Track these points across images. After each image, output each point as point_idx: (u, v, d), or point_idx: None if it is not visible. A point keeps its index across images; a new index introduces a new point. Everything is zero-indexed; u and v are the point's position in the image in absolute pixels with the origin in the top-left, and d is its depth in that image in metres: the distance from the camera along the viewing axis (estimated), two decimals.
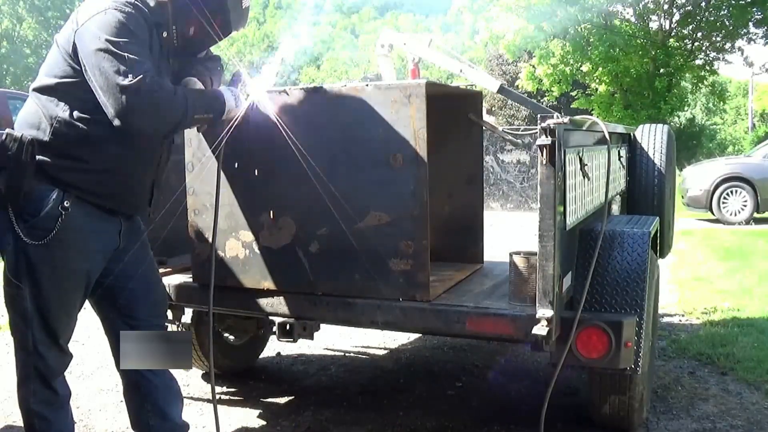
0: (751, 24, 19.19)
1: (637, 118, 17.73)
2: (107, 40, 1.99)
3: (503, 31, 19.11)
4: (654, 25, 20.13)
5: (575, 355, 2.30)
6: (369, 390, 3.62)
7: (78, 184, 2.14)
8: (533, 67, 19.98)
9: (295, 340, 2.65)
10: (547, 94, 20.86)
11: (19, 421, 2.61)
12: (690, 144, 24.32)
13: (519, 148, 4.87)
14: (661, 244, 3.64)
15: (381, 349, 4.36)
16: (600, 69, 19.11)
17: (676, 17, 19.80)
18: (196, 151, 2.63)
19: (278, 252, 2.55)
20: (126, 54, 1.98)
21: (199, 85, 2.31)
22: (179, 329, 3.12)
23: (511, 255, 2.39)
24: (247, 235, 2.59)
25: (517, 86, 20.17)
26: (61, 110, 2.11)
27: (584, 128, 2.69)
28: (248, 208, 2.59)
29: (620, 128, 3.89)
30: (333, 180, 2.42)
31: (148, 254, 2.46)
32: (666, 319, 4.93)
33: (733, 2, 18.46)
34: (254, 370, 3.94)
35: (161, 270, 2.71)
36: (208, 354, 2.77)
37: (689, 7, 19.44)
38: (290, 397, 3.52)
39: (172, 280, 2.81)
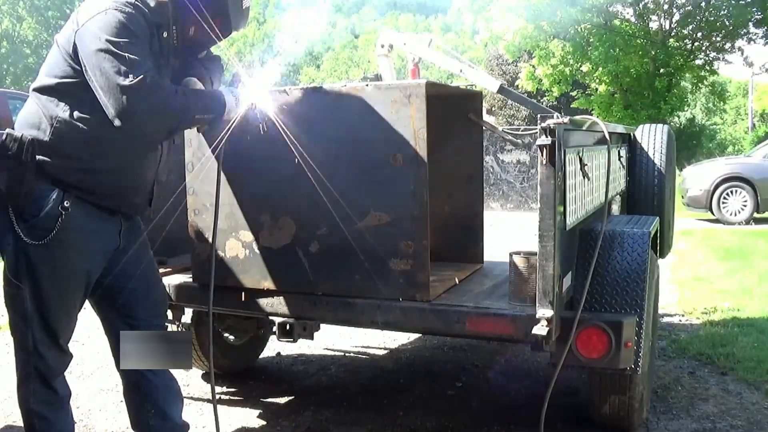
0: (751, 24, 19.19)
1: (637, 118, 17.73)
2: (108, 41, 1.99)
3: (503, 31, 19.11)
4: (654, 25, 20.13)
5: (575, 355, 2.30)
6: (369, 390, 3.62)
7: (78, 184, 2.14)
8: (533, 67, 19.98)
9: (295, 340, 2.65)
10: (547, 94, 20.87)
11: (19, 421, 2.61)
12: (690, 144, 24.32)
13: (519, 148, 4.87)
14: (661, 244, 3.64)
15: (381, 349, 4.36)
16: (600, 69, 19.11)
17: (676, 17, 19.81)
18: (196, 151, 2.63)
19: (278, 252, 2.55)
20: (126, 54, 1.98)
21: (200, 86, 2.31)
22: (179, 329, 3.12)
23: (511, 255, 2.39)
24: (247, 235, 2.59)
25: (517, 86, 20.17)
26: (62, 110, 2.11)
27: (584, 128, 2.69)
28: (248, 208, 2.59)
29: (620, 128, 3.89)
30: (333, 180, 2.42)
31: (148, 254, 2.46)
32: (666, 319, 4.93)
33: (733, 2, 18.46)
34: (254, 370, 3.94)
35: (161, 270, 2.71)
36: (208, 354, 2.77)
37: (689, 7, 19.44)
38: (290, 397, 3.52)
39: (172, 280, 2.81)
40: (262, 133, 2.38)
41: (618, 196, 3.71)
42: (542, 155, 2.15)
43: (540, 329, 2.14)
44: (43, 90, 2.15)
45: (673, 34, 19.82)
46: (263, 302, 2.60)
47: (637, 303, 2.48)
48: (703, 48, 20.27)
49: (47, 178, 2.10)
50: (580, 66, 19.38)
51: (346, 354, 4.25)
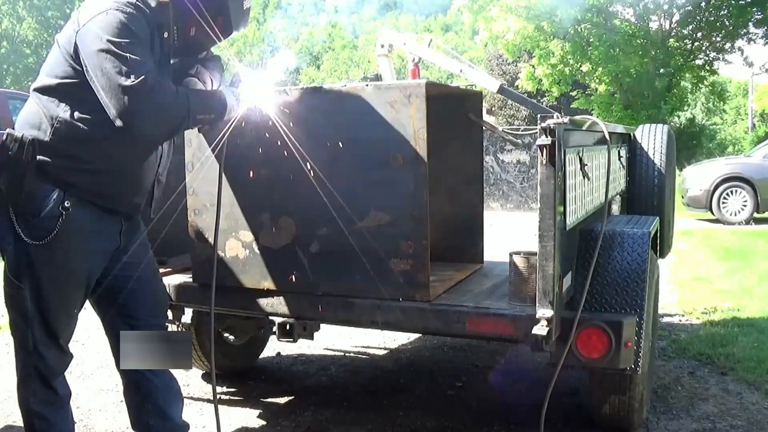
0: (751, 24, 19.18)
1: (637, 118, 17.72)
2: (109, 41, 1.99)
3: (503, 31, 19.11)
4: (654, 25, 20.11)
5: (575, 355, 2.30)
6: (369, 390, 3.62)
7: (79, 185, 2.14)
8: (533, 67, 19.98)
9: (295, 340, 2.65)
10: (547, 95, 20.86)
11: (19, 421, 2.61)
12: (690, 144, 24.30)
13: (519, 148, 4.87)
14: (661, 244, 3.64)
15: (381, 349, 4.36)
16: (600, 69, 19.10)
17: (676, 17, 19.79)
18: (196, 151, 2.63)
19: (278, 252, 2.55)
20: (128, 54, 1.98)
21: (200, 86, 2.31)
22: (179, 329, 3.12)
23: (511, 255, 2.39)
24: (247, 235, 2.59)
25: (517, 86, 20.16)
26: (62, 110, 2.11)
27: (584, 128, 2.69)
28: (248, 208, 2.59)
29: (620, 128, 3.89)
30: (333, 180, 2.42)
31: (148, 254, 2.46)
32: (666, 319, 4.93)
33: (733, 2, 18.45)
34: (254, 370, 3.94)
35: (161, 270, 2.71)
36: (209, 354, 2.77)
37: (689, 7, 19.42)
38: (290, 397, 3.53)
39: (172, 280, 2.81)
40: (262, 131, 2.38)
41: (618, 196, 3.71)
42: (542, 155, 2.15)
43: (540, 329, 2.14)
44: (43, 90, 2.15)
45: (673, 34, 19.81)
46: (263, 302, 2.60)
47: (637, 303, 2.48)
48: (703, 48, 20.26)
49: (48, 179, 2.10)
50: (580, 66, 19.36)
51: (346, 354, 4.25)
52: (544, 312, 2.16)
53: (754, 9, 18.39)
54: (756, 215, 10.95)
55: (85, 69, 2.04)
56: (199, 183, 2.64)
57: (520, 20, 18.64)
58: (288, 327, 2.63)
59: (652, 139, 3.91)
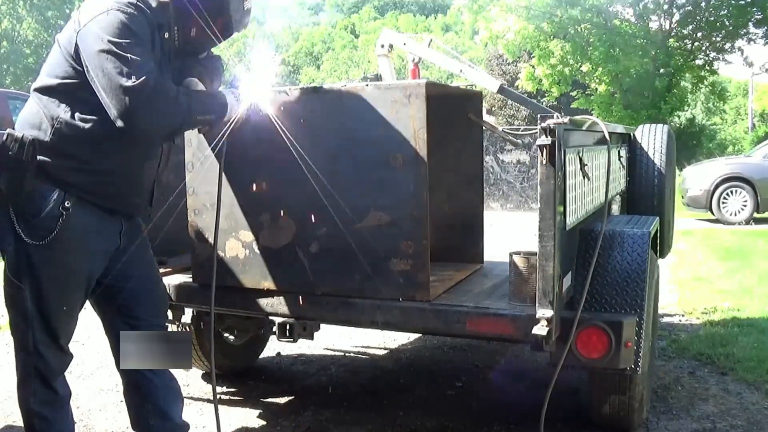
0: (751, 24, 19.18)
1: (637, 118, 17.71)
2: (110, 41, 1.99)
3: (503, 31, 19.11)
4: (654, 25, 20.12)
5: (575, 355, 2.30)
6: (369, 390, 3.62)
7: (79, 185, 2.14)
8: (533, 67, 19.98)
9: (295, 340, 2.66)
10: (547, 95, 20.87)
11: (19, 421, 2.61)
12: (690, 144, 24.29)
13: (519, 148, 4.87)
14: (661, 244, 3.64)
15: (381, 349, 4.36)
16: (600, 69, 19.10)
17: (676, 17, 19.79)
18: (196, 151, 2.63)
19: (278, 252, 2.55)
20: (129, 55, 1.98)
21: (201, 86, 2.31)
22: (179, 329, 3.12)
23: (511, 255, 2.39)
24: (247, 235, 2.59)
25: (517, 86, 20.17)
26: (63, 111, 2.11)
27: (584, 128, 2.69)
28: (248, 208, 2.59)
29: (620, 128, 3.89)
30: (333, 180, 2.42)
31: (148, 254, 2.46)
32: (666, 319, 4.93)
33: (733, 2, 18.46)
34: (254, 370, 3.94)
35: (161, 270, 2.71)
36: (209, 354, 2.77)
37: (689, 7, 19.43)
38: (290, 397, 3.53)
39: (172, 280, 2.81)
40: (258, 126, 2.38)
41: (618, 196, 3.71)
42: (542, 155, 2.15)
43: (540, 329, 2.14)
44: (44, 90, 2.15)
45: (673, 34, 19.81)
46: (263, 302, 2.60)
47: (637, 303, 2.48)
48: (703, 48, 20.26)
49: (48, 179, 2.10)
50: (580, 66, 19.37)
51: (346, 354, 4.25)
52: (544, 312, 2.16)
53: (754, 9, 18.40)
54: (756, 215, 10.95)
55: (85, 69, 2.04)
56: (199, 183, 2.64)
57: (520, 20, 18.64)
58: (288, 327, 2.63)
59: (652, 139, 3.91)
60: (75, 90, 2.10)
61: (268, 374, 3.92)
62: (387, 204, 2.38)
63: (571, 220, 2.42)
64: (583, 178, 2.58)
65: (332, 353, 4.26)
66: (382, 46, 6.30)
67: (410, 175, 2.34)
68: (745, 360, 3.89)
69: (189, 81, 2.30)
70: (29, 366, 2.23)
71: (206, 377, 3.72)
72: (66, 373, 2.34)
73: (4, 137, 2.09)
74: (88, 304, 2.37)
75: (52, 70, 2.15)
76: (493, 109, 23.11)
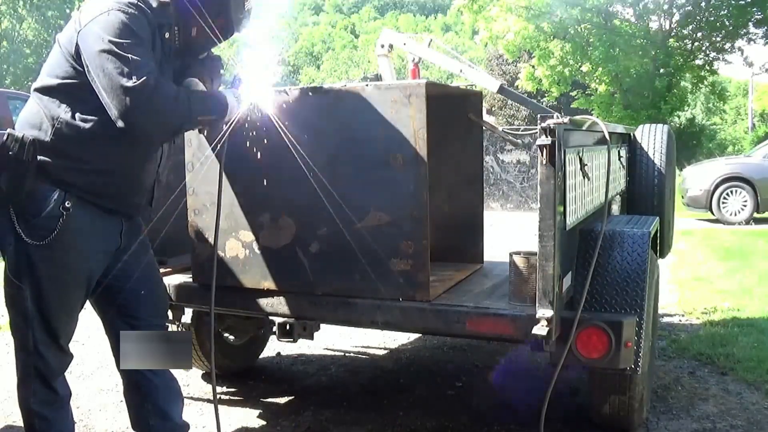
0: (751, 24, 19.19)
1: (637, 118, 17.72)
2: (110, 41, 1.99)
3: (503, 31, 19.11)
4: (654, 25, 20.13)
5: (575, 355, 2.30)
6: (369, 390, 3.62)
7: (79, 185, 2.14)
8: (533, 67, 19.99)
9: (295, 340, 2.66)
10: (546, 95, 20.87)
11: (19, 421, 2.61)
12: (690, 144, 24.29)
13: (519, 148, 4.87)
14: (661, 244, 3.64)
15: (381, 349, 4.36)
16: (600, 69, 19.11)
17: (676, 17, 19.80)
18: (196, 151, 2.63)
19: (278, 252, 2.55)
20: (130, 55, 1.98)
21: (201, 87, 2.31)
22: (179, 329, 3.12)
23: (511, 255, 2.39)
24: (247, 235, 2.59)
25: (517, 86, 20.18)
26: (63, 111, 2.11)
27: (584, 128, 2.69)
28: (248, 208, 2.59)
29: (620, 128, 3.89)
30: (333, 180, 2.42)
31: (148, 254, 2.46)
32: (666, 319, 4.93)
33: (733, 2, 18.46)
34: (254, 370, 3.94)
35: (161, 270, 2.71)
36: (209, 354, 2.77)
37: (689, 7, 19.43)
38: (290, 397, 3.53)
39: (172, 280, 2.81)
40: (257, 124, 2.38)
41: (618, 196, 3.71)
42: (542, 155, 2.15)
43: (540, 329, 2.14)
44: (44, 90, 2.15)
45: (673, 34, 19.81)
46: (263, 302, 2.60)
47: (637, 303, 2.48)
48: (703, 48, 20.27)
49: (48, 179, 2.10)
50: (580, 66, 19.37)
51: (346, 354, 4.25)
52: (544, 312, 2.16)
53: (754, 9, 18.40)
54: (756, 215, 10.95)
55: (86, 69, 2.04)
56: (199, 183, 2.64)
57: (520, 20, 18.65)
58: (288, 327, 2.63)
59: (652, 139, 3.91)
60: (75, 90, 2.10)
61: (268, 374, 3.92)
62: (387, 204, 2.38)
63: (571, 220, 2.42)
64: (583, 178, 2.58)
65: (332, 353, 4.26)
66: (382, 46, 6.30)
67: (410, 175, 2.34)
68: (745, 360, 3.89)
69: (189, 81, 2.30)
70: (29, 366, 2.23)
71: (206, 377, 3.72)
72: (66, 373, 2.34)
73: (5, 137, 2.09)
74: (88, 304, 2.37)
75: (53, 70, 2.15)
76: (493, 109, 23.13)
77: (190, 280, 2.77)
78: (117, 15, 2.03)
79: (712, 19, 19.39)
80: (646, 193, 3.86)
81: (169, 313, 2.76)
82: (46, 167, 2.10)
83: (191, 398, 3.44)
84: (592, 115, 14.79)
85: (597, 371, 2.69)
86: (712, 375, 3.73)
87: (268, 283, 2.58)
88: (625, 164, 3.81)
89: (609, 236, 2.60)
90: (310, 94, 2.49)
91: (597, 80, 19.75)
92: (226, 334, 3.62)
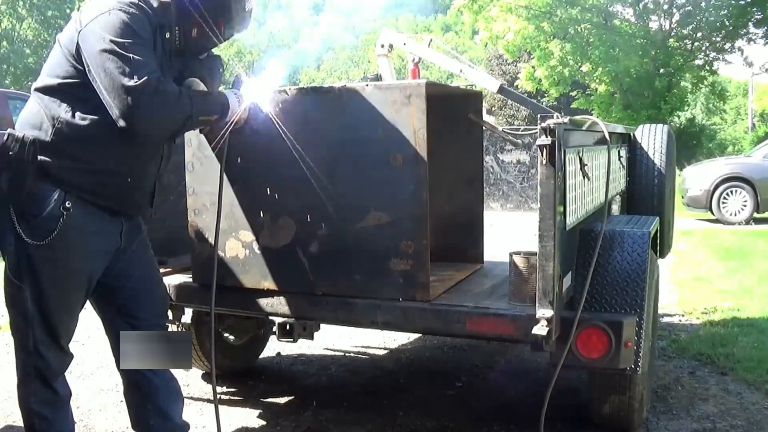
0: (751, 24, 19.21)
1: (637, 118, 17.74)
2: (112, 41, 1.99)
3: (503, 31, 19.12)
4: (654, 25, 20.15)
5: (575, 355, 2.30)
6: (369, 390, 3.62)
7: (80, 185, 2.14)
8: (533, 67, 20.00)
9: (295, 340, 2.66)
10: (546, 95, 20.88)
11: (19, 421, 2.61)
12: (690, 144, 24.29)
13: (519, 148, 4.87)
14: (661, 244, 3.64)
15: (381, 349, 4.36)
16: (600, 69, 19.12)
17: (676, 17, 19.82)
18: (196, 151, 2.63)
19: (278, 252, 2.55)
20: (131, 55, 1.98)
21: (202, 87, 2.31)
22: (179, 329, 3.12)
23: (511, 255, 2.39)
24: (247, 235, 2.59)
25: (517, 86, 20.18)
26: (64, 111, 2.11)
27: (584, 128, 2.69)
28: (248, 208, 2.59)
29: (620, 128, 3.89)
30: (333, 180, 2.42)
31: (148, 254, 2.46)
32: (666, 319, 4.93)
33: (733, 2, 18.47)
34: (254, 370, 3.94)
35: (161, 270, 2.71)
36: (209, 354, 2.77)
37: (689, 7, 19.45)
38: (290, 397, 3.53)
39: (172, 280, 2.81)
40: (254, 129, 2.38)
41: (618, 196, 3.71)
42: (542, 155, 2.15)
43: (540, 329, 2.14)
44: (45, 90, 2.15)
45: (673, 34, 19.83)
46: (263, 302, 2.60)
47: (637, 303, 2.48)
48: (703, 48, 20.28)
49: (49, 179, 2.10)
50: (580, 66, 19.38)
51: (346, 354, 4.25)
52: (544, 312, 2.16)
53: (754, 9, 18.42)
54: (756, 215, 10.95)
55: (87, 69, 2.04)
56: (199, 183, 2.64)
57: (520, 20, 18.66)
58: (288, 327, 2.63)
59: (652, 139, 3.91)
60: (76, 90, 2.10)
61: (268, 374, 3.92)
62: (387, 204, 2.38)
63: (571, 220, 2.42)
64: (583, 178, 2.58)
65: (332, 353, 4.26)
66: (382, 46, 6.30)
67: (410, 175, 2.34)
68: (745, 360, 3.89)
69: (190, 81, 2.30)
70: (29, 366, 2.23)
71: (206, 377, 3.72)
72: (66, 373, 2.34)
73: (5, 137, 2.09)
74: (88, 304, 2.37)
75: (53, 69, 2.15)
76: (493, 109, 23.12)
77: (190, 280, 2.77)
78: (118, 15, 2.03)
79: (712, 19, 19.41)
80: (646, 193, 3.86)
81: (169, 313, 2.77)
82: (47, 167, 2.10)
83: (191, 398, 3.44)
84: (592, 115, 14.80)
85: (597, 371, 2.69)
86: (712, 375, 3.73)
87: (268, 283, 2.58)
88: (625, 164, 3.81)
89: (609, 236, 2.60)
90: (310, 94, 2.49)
91: (597, 80, 19.77)
92: (226, 334, 3.62)
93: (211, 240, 2.52)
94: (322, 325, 2.77)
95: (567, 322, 2.28)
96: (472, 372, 3.88)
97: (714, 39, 19.89)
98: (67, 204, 2.11)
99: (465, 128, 3.12)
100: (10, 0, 26.51)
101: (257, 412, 3.33)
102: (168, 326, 2.68)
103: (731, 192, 11.01)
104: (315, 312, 2.55)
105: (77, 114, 2.10)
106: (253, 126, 2.44)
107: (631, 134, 4.00)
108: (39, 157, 2.09)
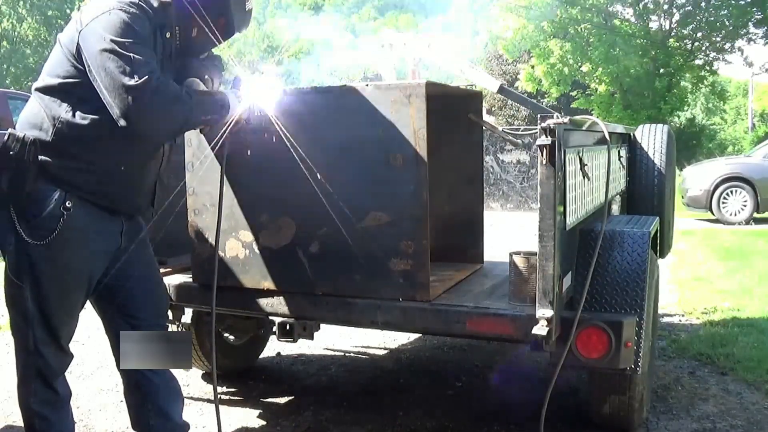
0: (751, 24, 19.22)
1: (637, 118, 17.74)
2: (112, 41, 1.99)
3: (503, 31, 19.13)
4: (654, 25, 20.15)
5: (575, 355, 2.30)
6: (369, 390, 3.62)
7: (80, 185, 2.14)
8: (533, 67, 20.00)
9: (295, 340, 2.66)
10: (546, 95, 20.89)
11: (19, 421, 2.61)
12: (690, 144, 24.29)
13: (519, 148, 4.87)
14: (661, 244, 3.64)
15: (381, 349, 4.36)
16: (600, 69, 19.13)
17: (676, 17, 19.83)
18: (196, 151, 2.63)
19: (278, 252, 2.55)
20: (131, 54, 1.98)
21: (202, 87, 2.32)
22: (179, 329, 3.12)
23: (511, 255, 2.39)
24: (247, 235, 2.59)
25: (517, 86, 20.19)
26: (64, 111, 2.11)
27: (584, 128, 2.69)
28: (248, 208, 2.59)
29: (620, 128, 3.89)
30: (333, 180, 2.42)
31: (149, 254, 2.46)
32: (666, 319, 4.93)
33: (733, 2, 18.48)
34: (254, 370, 3.94)
35: (161, 270, 2.71)
36: (209, 354, 2.77)
37: (689, 7, 19.45)
38: (290, 397, 3.53)
39: (172, 280, 2.81)
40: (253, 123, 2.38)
41: (618, 196, 3.71)
42: (542, 155, 2.15)
43: (540, 329, 2.14)
44: (45, 90, 2.15)
45: (673, 34, 19.84)
46: (263, 302, 2.60)
47: (637, 303, 2.48)
48: (703, 48, 20.29)
49: (49, 179, 2.10)
50: (580, 66, 19.39)
51: (346, 354, 4.25)
52: (544, 312, 2.16)
53: (754, 9, 18.43)
54: (756, 215, 10.96)
55: (87, 69, 2.04)
56: (199, 183, 2.64)
57: (520, 20, 18.67)
58: (288, 327, 2.63)
59: (652, 139, 3.91)
60: (77, 89, 2.10)
61: (268, 374, 3.92)
62: (387, 204, 2.38)
63: (571, 220, 2.42)
64: (583, 178, 2.58)
65: (332, 353, 4.26)
66: (382, 46, 6.30)
67: (410, 175, 2.34)
68: (745, 360, 3.89)
69: (190, 81, 2.30)
70: (29, 366, 2.23)
71: (206, 377, 3.72)
72: (66, 373, 2.34)
73: (6, 137, 2.09)
74: (88, 304, 2.37)
75: (54, 69, 2.15)
76: (493, 109, 23.11)
77: (190, 280, 2.77)
78: (118, 14, 2.03)
79: (712, 19, 19.42)
80: (646, 193, 3.86)
81: (169, 313, 2.77)
82: (47, 167, 2.10)
83: (191, 398, 3.44)
84: (592, 115, 14.79)
85: (597, 371, 2.68)
86: (712, 375, 3.73)
87: (268, 283, 2.59)
88: (625, 164, 3.82)
89: (609, 236, 2.60)
90: (310, 94, 2.49)
91: (597, 80, 19.78)
92: (226, 334, 3.62)
93: (211, 240, 2.52)
94: (322, 325, 2.77)
95: (567, 322, 2.28)
96: (472, 372, 3.88)
97: (714, 39, 19.90)
98: (68, 204, 2.11)
99: (465, 128, 3.12)
100: (10, 0, 26.50)
101: (257, 412, 3.33)
102: (168, 326, 2.68)
103: (731, 192, 11.02)
104: (315, 312, 2.55)
105: (78, 114, 2.10)
106: (253, 126, 2.44)
107: (631, 134, 4.00)
108: (40, 157, 2.09)
